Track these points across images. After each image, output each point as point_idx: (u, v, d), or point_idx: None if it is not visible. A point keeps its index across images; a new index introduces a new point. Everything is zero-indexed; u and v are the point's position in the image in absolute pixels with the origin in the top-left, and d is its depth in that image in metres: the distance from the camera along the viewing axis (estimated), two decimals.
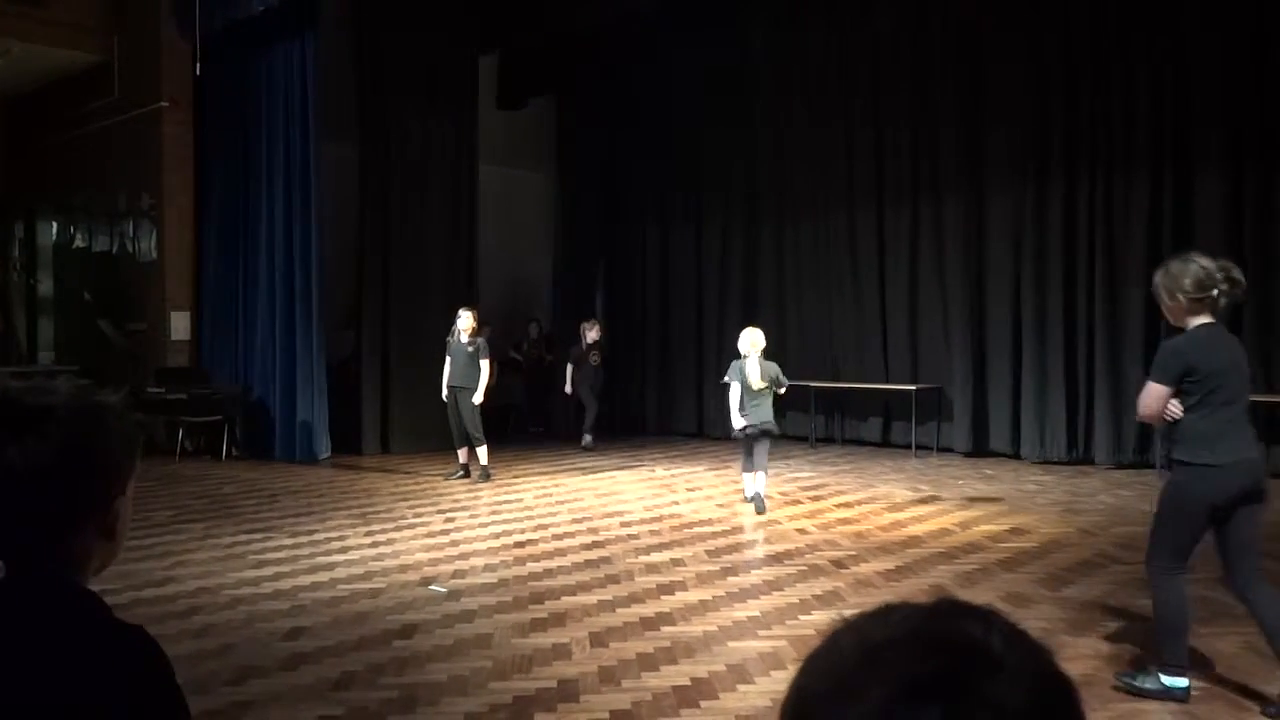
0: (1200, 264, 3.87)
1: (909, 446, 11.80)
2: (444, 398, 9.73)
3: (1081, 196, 10.76)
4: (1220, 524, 3.88)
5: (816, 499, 8.88)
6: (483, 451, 9.80)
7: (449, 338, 9.74)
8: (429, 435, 10.47)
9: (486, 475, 9.77)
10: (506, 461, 11.20)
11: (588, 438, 11.72)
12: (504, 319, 14.00)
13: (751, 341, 7.85)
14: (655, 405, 14.00)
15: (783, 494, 9.39)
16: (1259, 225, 9.76)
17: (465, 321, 9.66)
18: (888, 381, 12.21)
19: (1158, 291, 3.91)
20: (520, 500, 8.83)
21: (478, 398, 9.66)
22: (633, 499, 8.91)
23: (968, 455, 11.40)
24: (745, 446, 8.16)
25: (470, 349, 9.67)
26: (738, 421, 7.91)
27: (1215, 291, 3.86)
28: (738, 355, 7.96)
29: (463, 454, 9.89)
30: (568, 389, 12.14)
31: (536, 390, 14.56)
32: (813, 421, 12.49)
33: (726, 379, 8.01)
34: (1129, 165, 10.45)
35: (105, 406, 1.27)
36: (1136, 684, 4.04)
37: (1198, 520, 3.88)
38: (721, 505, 8.64)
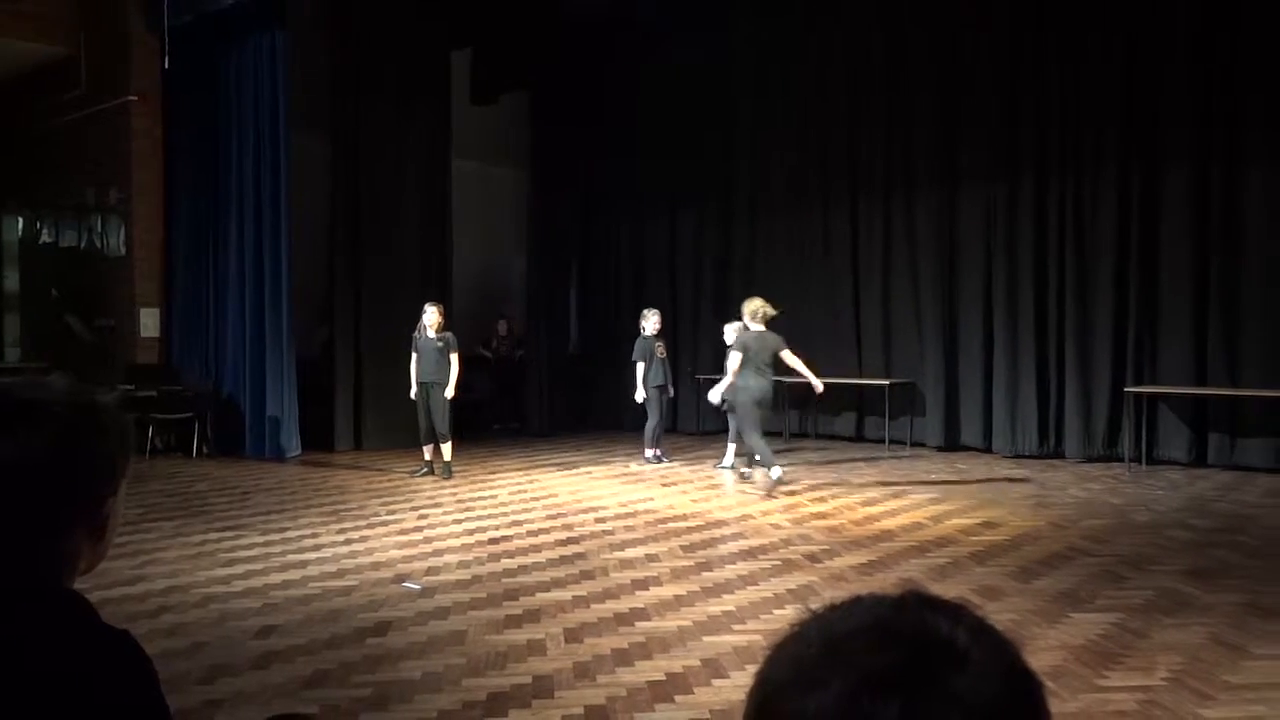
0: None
1: (882, 441, 11.86)
2: (412, 395, 9.70)
3: (1052, 193, 10.85)
4: None
5: (790, 494, 8.91)
6: (448, 448, 9.79)
7: (415, 334, 9.72)
8: (402, 432, 10.43)
9: (449, 472, 9.76)
10: (480, 458, 11.17)
11: (650, 451, 10.69)
12: (476, 316, 13.94)
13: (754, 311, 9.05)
14: (630, 401, 13.94)
15: (756, 488, 9.42)
16: (1224, 221, 9.88)
17: (431, 317, 9.64)
18: (861, 376, 12.28)
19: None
20: (494, 497, 8.81)
21: (449, 392, 9.69)
22: (607, 495, 8.91)
23: (940, 449, 11.48)
24: (760, 418, 8.94)
25: (439, 344, 9.66)
26: (728, 395, 9.06)
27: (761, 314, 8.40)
28: (724, 347, 8.68)
29: (428, 451, 9.87)
30: (639, 396, 10.63)
31: (506, 387, 14.53)
32: (786, 417, 12.52)
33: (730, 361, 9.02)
34: (1098, 163, 10.55)
35: (100, 405, 1.25)
36: None
37: None
38: (696, 500, 8.66)
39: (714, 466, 10.38)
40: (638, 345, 10.78)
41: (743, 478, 9.59)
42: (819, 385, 9.17)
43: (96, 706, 1.12)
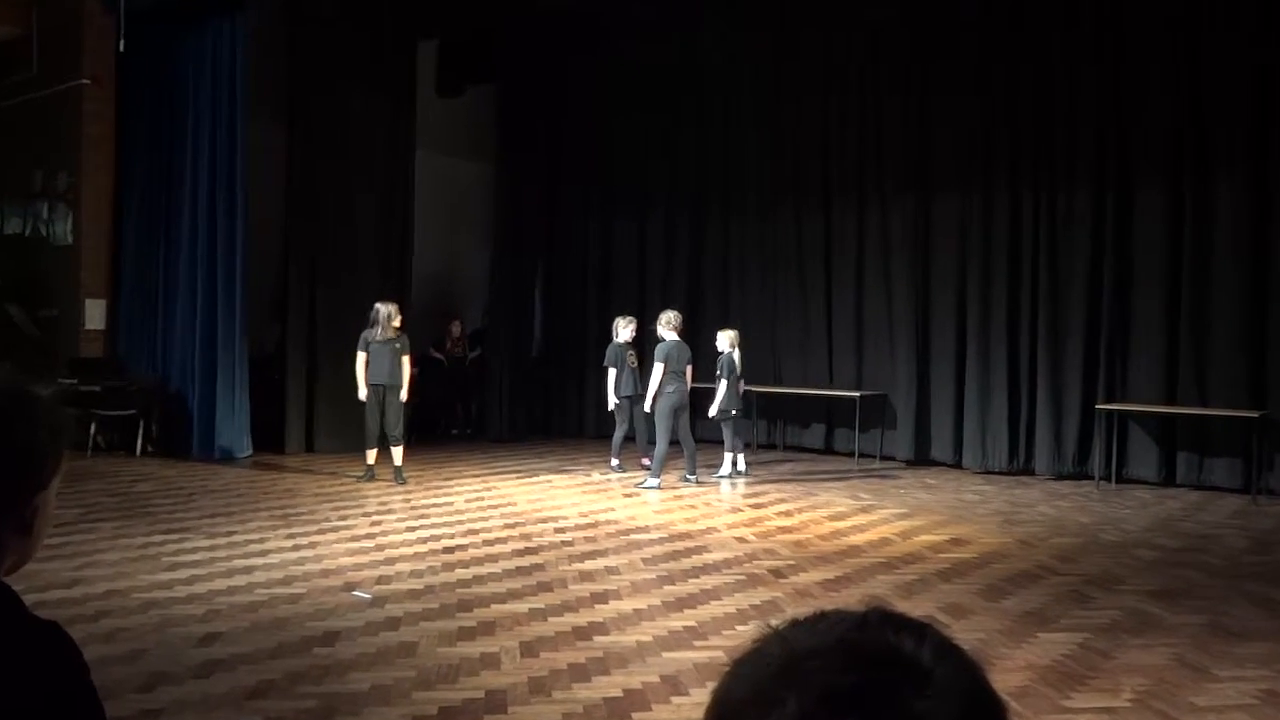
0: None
1: (851, 454, 11.94)
2: (361, 396, 9.66)
3: (1026, 205, 10.98)
4: None
5: (757, 507, 8.95)
6: (399, 452, 9.76)
7: (367, 333, 9.67)
8: (356, 434, 10.36)
9: (402, 477, 9.73)
10: (436, 464, 11.12)
11: (615, 460, 10.82)
12: (432, 315, 13.88)
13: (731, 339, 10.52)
14: (594, 406, 13.95)
15: (721, 501, 9.43)
16: (1197, 235, 10.04)
17: (390, 316, 9.61)
18: (831, 387, 12.35)
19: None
20: (450, 504, 8.77)
21: (404, 394, 9.69)
22: (567, 504, 8.90)
23: (910, 464, 11.57)
24: (734, 428, 10.48)
25: (396, 345, 9.64)
26: (727, 405, 10.27)
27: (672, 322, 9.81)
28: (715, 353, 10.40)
29: (372, 455, 9.83)
30: (611, 403, 10.78)
31: (459, 390, 14.48)
32: (754, 427, 12.57)
33: (720, 373, 10.31)
34: (1072, 174, 10.69)
35: (34, 396, 1.23)
36: None
37: None
38: (660, 511, 8.67)
39: (712, 475, 10.43)
40: (610, 351, 10.84)
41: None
42: (713, 410, 10.45)
43: (25, 697, 1.10)
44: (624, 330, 10.85)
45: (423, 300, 13.35)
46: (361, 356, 9.65)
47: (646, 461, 10.43)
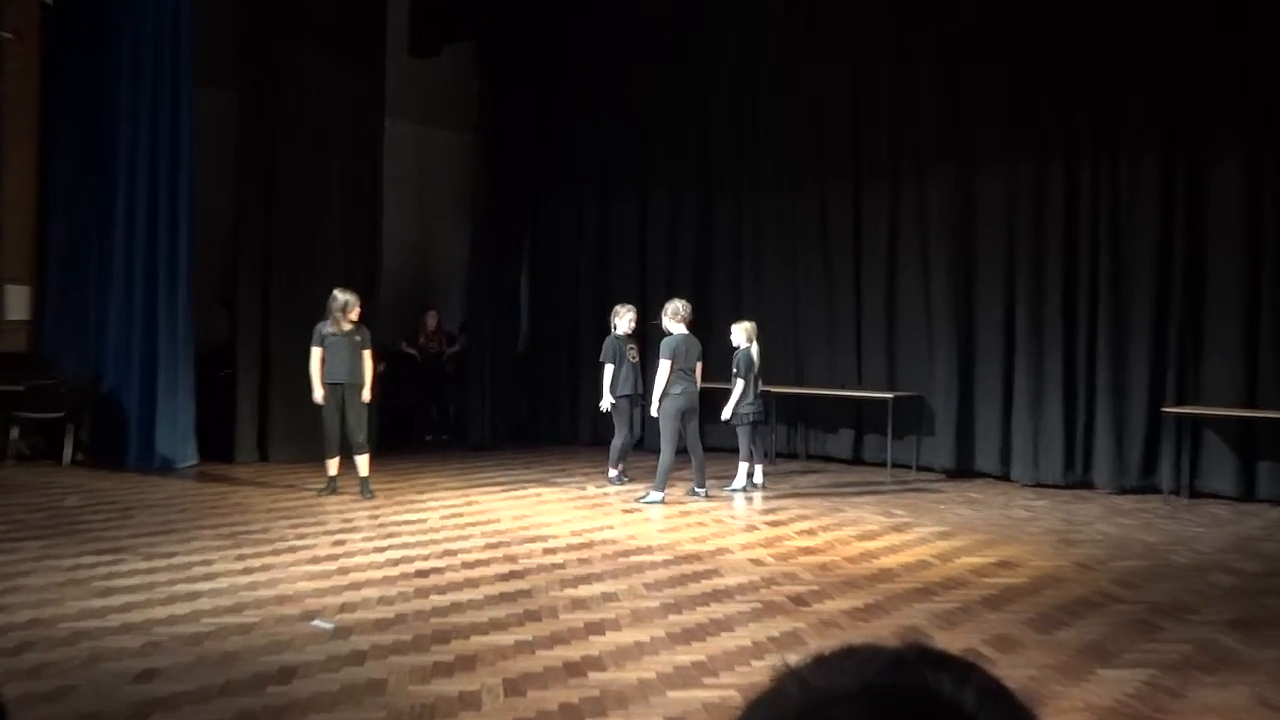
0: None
1: (883, 464, 11.92)
2: (318, 398, 9.67)
3: (1084, 181, 10.96)
4: None
5: (775, 524, 8.94)
6: (365, 461, 9.77)
7: (322, 325, 9.68)
8: (315, 441, 10.36)
9: (368, 490, 9.73)
10: (408, 474, 11.12)
11: (614, 471, 10.88)
12: (405, 306, 13.88)
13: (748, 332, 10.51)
14: (589, 409, 13.94)
15: (734, 518, 9.43)
16: (1279, 220, 10.01)
17: (350, 306, 9.62)
18: (861, 388, 12.34)
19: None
20: (423, 521, 8.77)
21: (367, 395, 9.73)
22: (558, 521, 8.90)
23: (950, 475, 11.56)
24: (750, 435, 10.47)
25: (357, 338, 9.67)
26: (745, 409, 10.35)
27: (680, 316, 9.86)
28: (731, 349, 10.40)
29: (334, 465, 9.84)
30: (605, 404, 10.77)
31: (434, 392, 14.48)
32: (772, 433, 12.57)
33: (736, 371, 10.33)
34: (1138, 141, 10.65)
35: None
36: None
37: None
38: (664, 530, 8.66)
39: (724, 488, 10.47)
40: (607, 345, 10.87)
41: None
42: (727, 413, 10.45)
43: None
44: (623, 321, 10.85)
45: (393, 289, 13.35)
46: (316, 352, 9.65)
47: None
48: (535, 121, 14.41)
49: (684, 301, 10.30)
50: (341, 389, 9.61)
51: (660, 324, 10.21)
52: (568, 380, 14.38)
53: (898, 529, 8.77)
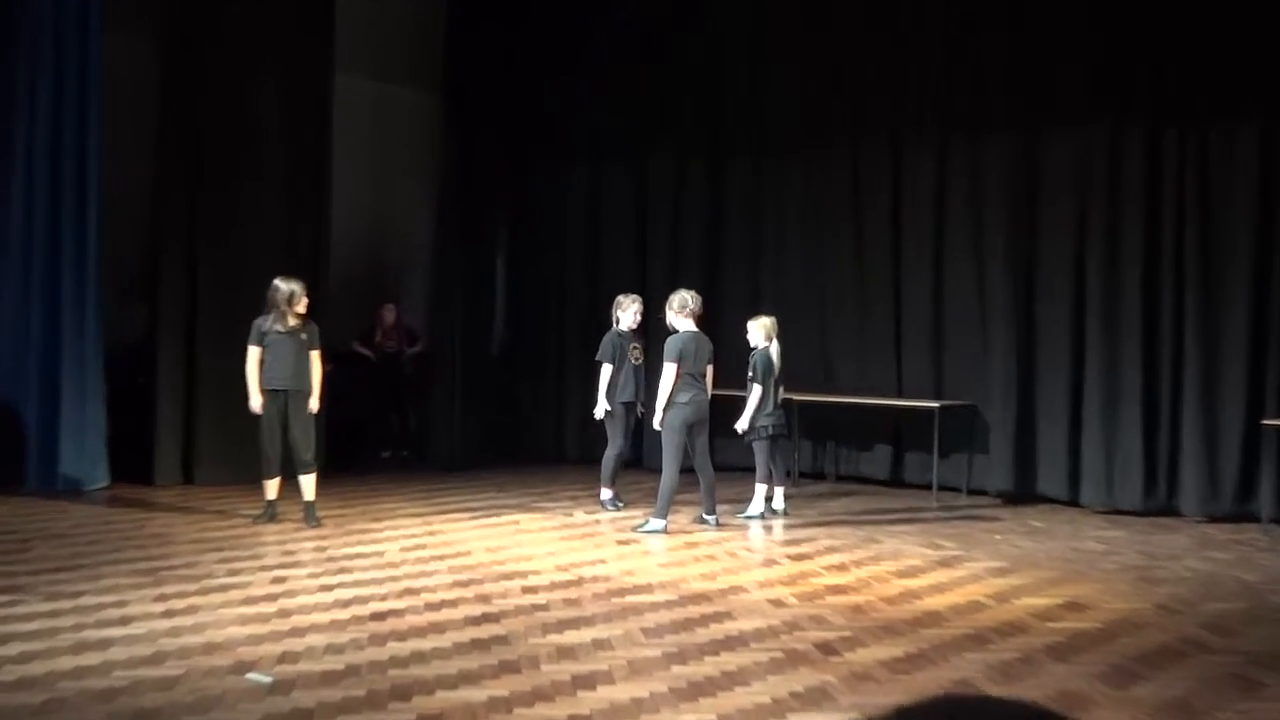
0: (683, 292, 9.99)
1: (928, 486, 11.92)
2: (255, 407, 9.67)
3: (1170, 148, 10.97)
4: None
5: (799, 558, 8.93)
6: (311, 482, 9.76)
7: (261, 321, 9.69)
8: (251, 459, 10.34)
9: (314, 517, 9.72)
10: (360, 498, 11.11)
11: (608, 493, 10.95)
12: (357, 296, 13.86)
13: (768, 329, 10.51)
14: (577, 423, 13.95)
15: (750, 550, 9.41)
16: None
17: (295, 298, 9.62)
18: (901, 396, 12.34)
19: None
20: (380, 553, 8.75)
21: (314, 403, 9.73)
22: (541, 554, 8.89)
23: (1008, 500, 11.57)
24: (769, 451, 10.40)
25: (303, 336, 9.67)
26: (763, 420, 10.37)
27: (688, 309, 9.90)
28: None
29: (273, 486, 9.83)
30: (600, 411, 10.90)
31: (395, 399, 14.45)
32: (796, 450, 12.57)
33: (752, 375, 10.34)
34: (1234, 110, 10.66)
35: None
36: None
37: None
38: (667, 564, 8.65)
39: (738, 515, 10.48)
40: (606, 341, 10.91)
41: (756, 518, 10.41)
42: (742, 424, 10.48)
43: None
44: (627, 314, 10.88)
45: (344, 277, 13.33)
46: (254, 352, 9.64)
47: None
48: (513, 76, 14.39)
49: (692, 293, 10.21)
50: (284, 396, 9.60)
51: (664, 319, 10.19)
52: (553, 385, 14.35)
53: (945, 564, 8.76)
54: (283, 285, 9.68)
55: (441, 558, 8.66)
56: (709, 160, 13.64)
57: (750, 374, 10.46)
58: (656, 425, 9.99)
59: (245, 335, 9.79)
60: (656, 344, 10.62)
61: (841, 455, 12.99)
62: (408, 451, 14.33)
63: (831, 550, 9.22)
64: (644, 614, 7.11)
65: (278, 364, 9.60)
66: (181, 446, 11.84)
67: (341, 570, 8.14)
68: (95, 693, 5.47)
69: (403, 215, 15.02)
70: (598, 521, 10.37)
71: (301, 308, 9.70)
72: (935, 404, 11.80)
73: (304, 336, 9.68)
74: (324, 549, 8.90)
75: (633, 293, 11.22)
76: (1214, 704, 5.57)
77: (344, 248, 13.24)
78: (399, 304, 14.51)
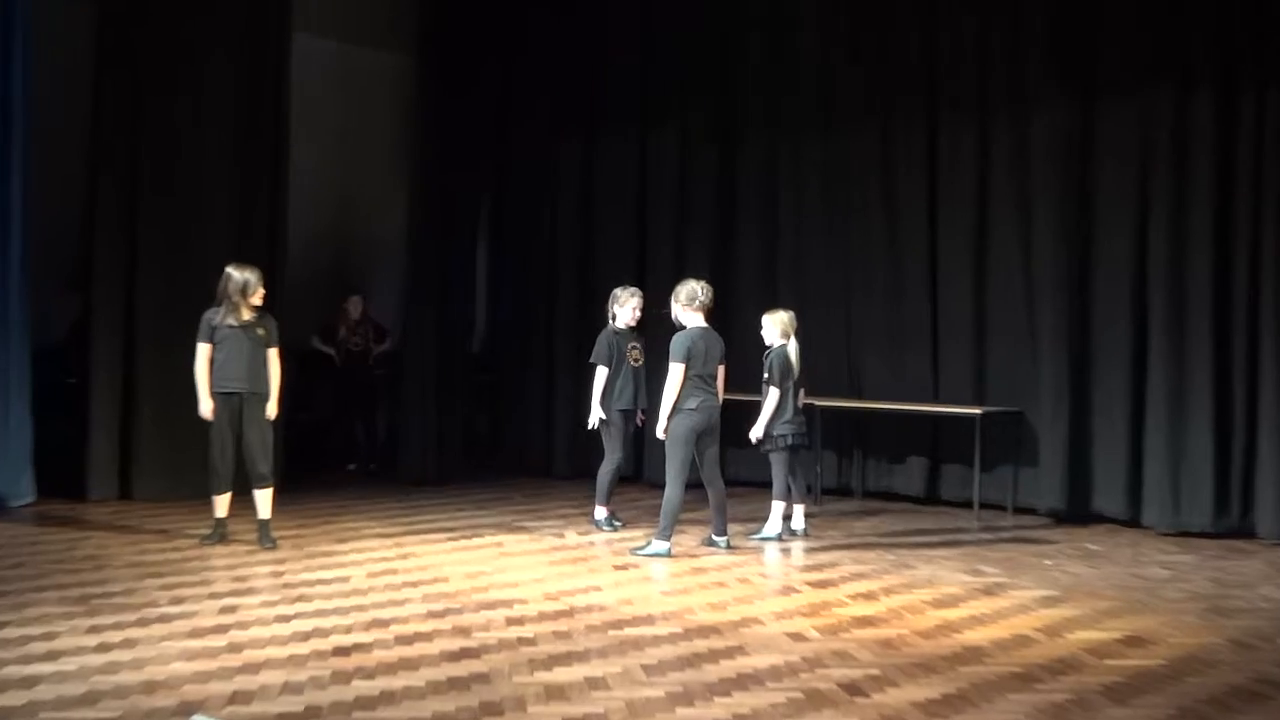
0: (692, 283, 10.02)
1: (968, 504, 11.92)
2: (205, 412, 9.65)
3: (1247, 115, 10.95)
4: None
5: (821, 585, 8.92)
6: (268, 499, 9.77)
7: (212, 314, 9.68)
8: (198, 471, 10.33)
9: (269, 537, 9.73)
10: (323, 517, 11.12)
11: (603, 511, 10.97)
12: (317, 289, 13.85)
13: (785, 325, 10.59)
14: (568, 432, 13.94)
15: (765, 576, 9.39)
16: None
17: (251, 287, 9.61)
18: (938, 401, 12.35)
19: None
20: (344, 579, 8.75)
21: (272, 408, 9.73)
22: (527, 580, 8.88)
23: (1060, 519, 11.57)
24: (787, 464, 10.43)
25: (259, 331, 9.68)
26: (780, 428, 10.42)
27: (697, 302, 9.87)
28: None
29: (224, 503, 9.83)
30: (594, 420, 10.94)
31: (362, 404, 14.44)
32: (818, 462, 12.56)
33: (767, 376, 10.41)
34: None
35: None
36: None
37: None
38: (671, 592, 8.64)
39: (752, 536, 10.49)
40: (601, 341, 10.92)
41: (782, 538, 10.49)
42: (756, 433, 10.56)
43: None
44: (625, 310, 10.89)
45: (305, 264, 13.32)
46: (204, 350, 9.63)
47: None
48: (497, 37, 14.39)
49: (702, 284, 10.15)
50: (238, 400, 9.60)
51: (669, 314, 10.16)
52: (541, 389, 14.34)
53: (988, 592, 8.74)
54: (236, 274, 9.67)
55: (414, 584, 8.64)
56: (719, 136, 13.65)
57: (766, 376, 10.45)
58: (660, 434, 9.95)
59: (192, 330, 9.78)
60: (659, 342, 10.59)
61: (870, 468, 12.99)
62: (375, 464, 14.33)
63: (858, 577, 9.20)
64: (644, 649, 7.10)
65: (230, 363, 9.59)
66: (118, 457, 11.85)
67: (300, 598, 8.13)
68: None
69: (371, 195, 15.01)
70: (592, 543, 10.37)
71: (257, 299, 9.69)
72: (976, 410, 11.79)
73: (260, 332, 9.68)
74: (281, 574, 8.89)
75: (631, 285, 11.20)
76: None
77: (304, 231, 13.23)
78: (366, 296, 14.49)
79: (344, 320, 14.30)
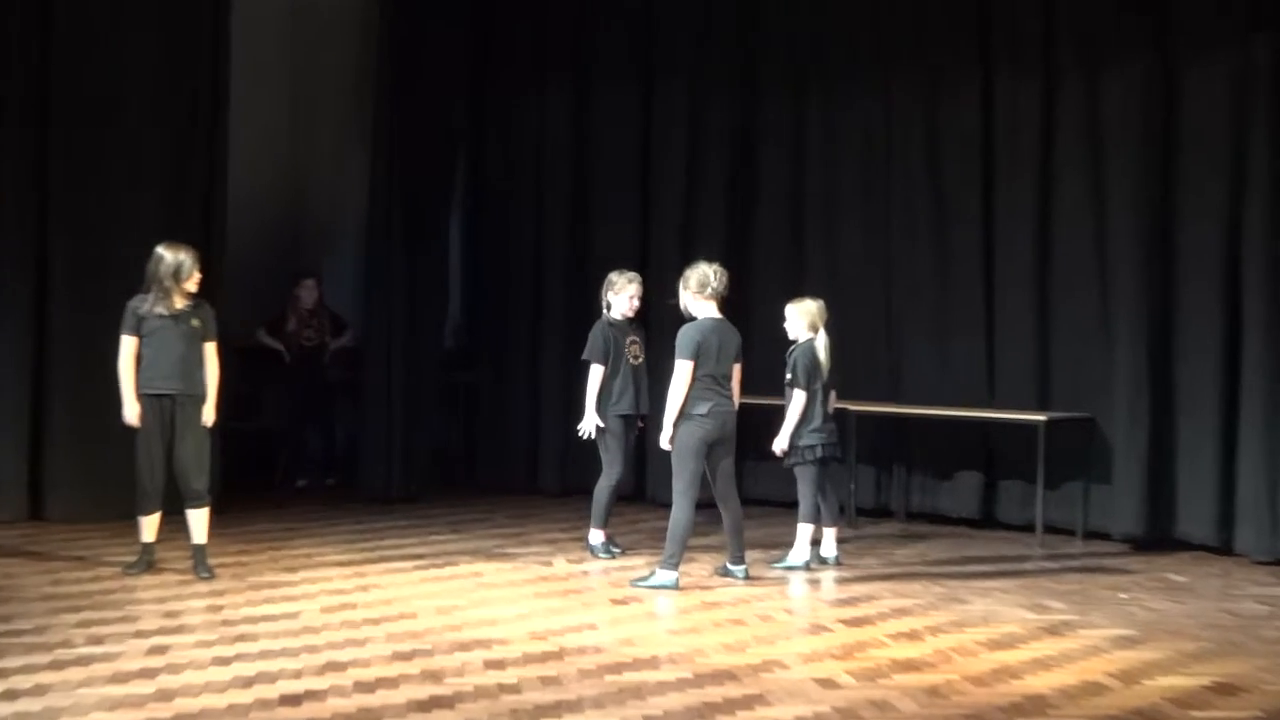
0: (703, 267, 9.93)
1: (1029, 527, 11.92)
2: (130, 418, 9.65)
3: None
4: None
5: (855, 623, 8.91)
6: (203, 520, 9.76)
7: (139, 303, 9.66)
8: (123, 487, 10.33)
9: (205, 565, 9.73)
10: (269, 540, 11.14)
11: (599, 535, 10.95)
12: (264, 273, 13.85)
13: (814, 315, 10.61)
14: (558, 442, 13.93)
15: (791, 612, 9.38)
16: None
17: (183, 272, 9.59)
18: (993, 406, 12.35)
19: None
20: (293, 615, 8.74)
21: (209, 414, 9.71)
22: (509, 616, 8.87)
23: (1138, 545, 11.56)
24: (816, 480, 10.44)
25: (194, 322, 9.67)
26: (808, 438, 10.42)
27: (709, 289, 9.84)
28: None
29: (153, 525, 9.81)
30: (588, 427, 10.94)
31: (315, 408, 14.41)
32: (852, 478, 12.56)
33: (791, 377, 10.43)
34: None
35: None
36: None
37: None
38: (679, 631, 8.65)
39: (775, 566, 10.50)
40: (594, 335, 10.91)
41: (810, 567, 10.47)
42: (779, 444, 10.56)
43: None
44: (620, 297, 10.90)
45: (248, 243, 13.33)
46: (129, 344, 9.63)
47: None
48: None
49: (715, 267, 10.07)
50: (169, 403, 9.60)
51: (676, 303, 10.15)
52: (525, 391, 14.33)
53: (1053, 631, 8.72)
54: (167, 255, 9.65)
55: (376, 621, 8.63)
56: (736, 90, 13.64)
57: (789, 376, 10.45)
58: (664, 444, 9.93)
59: (114, 322, 9.78)
60: (664, 336, 10.59)
61: (914, 485, 12.99)
62: (331, 478, 14.35)
63: (900, 613, 9.19)
64: (647, 698, 7.09)
65: (161, 360, 9.59)
66: (27, 471, 11.84)
67: (242, 637, 8.10)
68: None
69: (326, 160, 15.03)
70: (586, 573, 10.37)
71: (192, 285, 9.67)
72: (1040, 416, 11.78)
73: (195, 323, 9.66)
74: (219, 608, 8.87)
75: (630, 269, 11.16)
76: None
77: (247, 205, 13.24)
78: (321, 280, 14.43)
79: (295, 310, 14.25)
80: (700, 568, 10.16)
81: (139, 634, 8.15)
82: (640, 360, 10.91)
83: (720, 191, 13.71)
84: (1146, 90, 11.66)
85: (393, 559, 10.67)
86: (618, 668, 7.66)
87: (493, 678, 7.39)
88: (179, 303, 9.63)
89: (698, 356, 9.67)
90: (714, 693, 7.22)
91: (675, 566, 9.75)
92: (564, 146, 14.35)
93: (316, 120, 14.88)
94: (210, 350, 9.77)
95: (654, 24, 13.85)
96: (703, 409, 9.67)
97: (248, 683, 7.17)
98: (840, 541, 10.84)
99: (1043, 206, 12.25)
